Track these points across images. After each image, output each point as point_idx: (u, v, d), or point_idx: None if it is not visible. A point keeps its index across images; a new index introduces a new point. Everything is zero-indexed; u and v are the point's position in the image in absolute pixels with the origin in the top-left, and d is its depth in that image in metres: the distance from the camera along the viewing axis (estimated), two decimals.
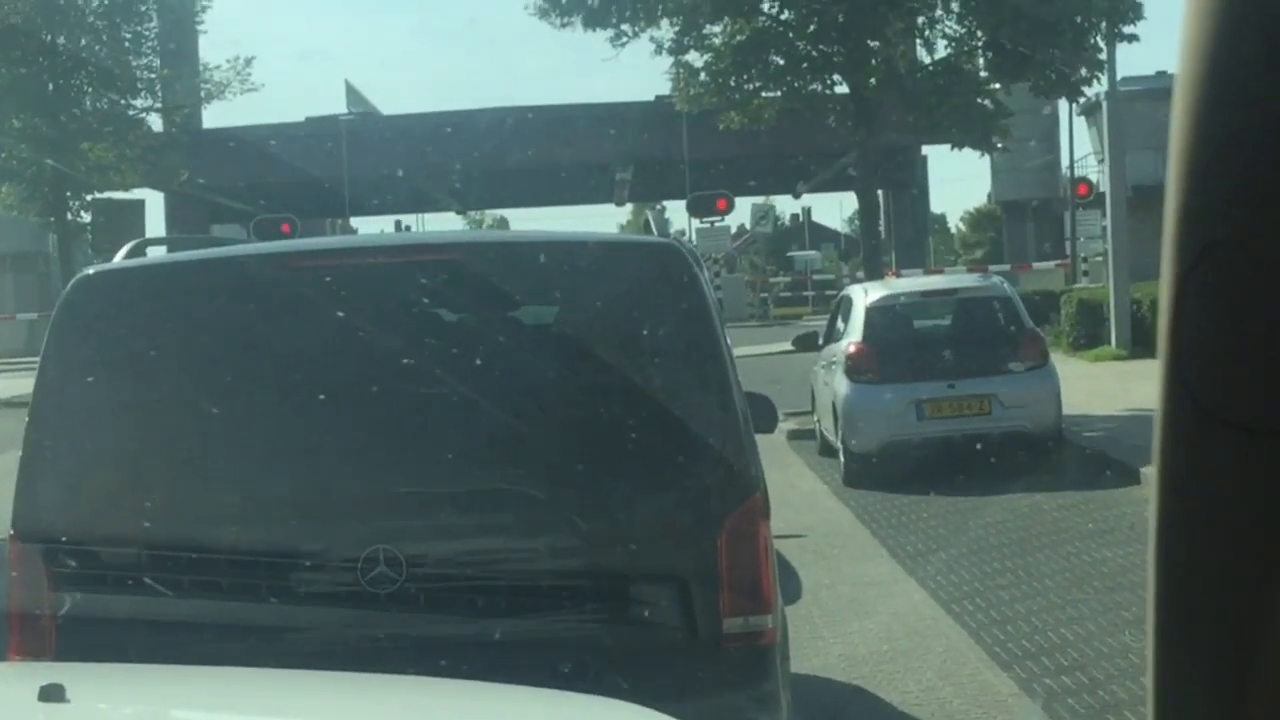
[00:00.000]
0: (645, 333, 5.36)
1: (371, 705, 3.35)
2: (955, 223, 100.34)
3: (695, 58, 29.74)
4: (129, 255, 5.99)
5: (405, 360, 5.23)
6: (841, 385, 16.81)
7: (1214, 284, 0.72)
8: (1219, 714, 0.82)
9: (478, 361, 5.34)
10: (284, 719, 3.28)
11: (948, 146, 31.25)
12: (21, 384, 23.44)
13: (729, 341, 5.52)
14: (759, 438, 6.09)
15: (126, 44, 41.70)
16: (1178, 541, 0.81)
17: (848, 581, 11.51)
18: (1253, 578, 0.77)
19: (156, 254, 6.66)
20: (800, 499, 15.53)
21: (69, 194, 41.97)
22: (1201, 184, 0.72)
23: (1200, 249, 0.72)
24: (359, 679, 3.67)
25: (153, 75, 42.73)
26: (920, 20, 29.53)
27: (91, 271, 5.60)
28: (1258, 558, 0.76)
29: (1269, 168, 0.70)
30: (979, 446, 16.12)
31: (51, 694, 2.71)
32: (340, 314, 5.37)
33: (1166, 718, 0.86)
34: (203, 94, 43.74)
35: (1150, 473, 0.82)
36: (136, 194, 46.07)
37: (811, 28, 28.84)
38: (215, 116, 48.45)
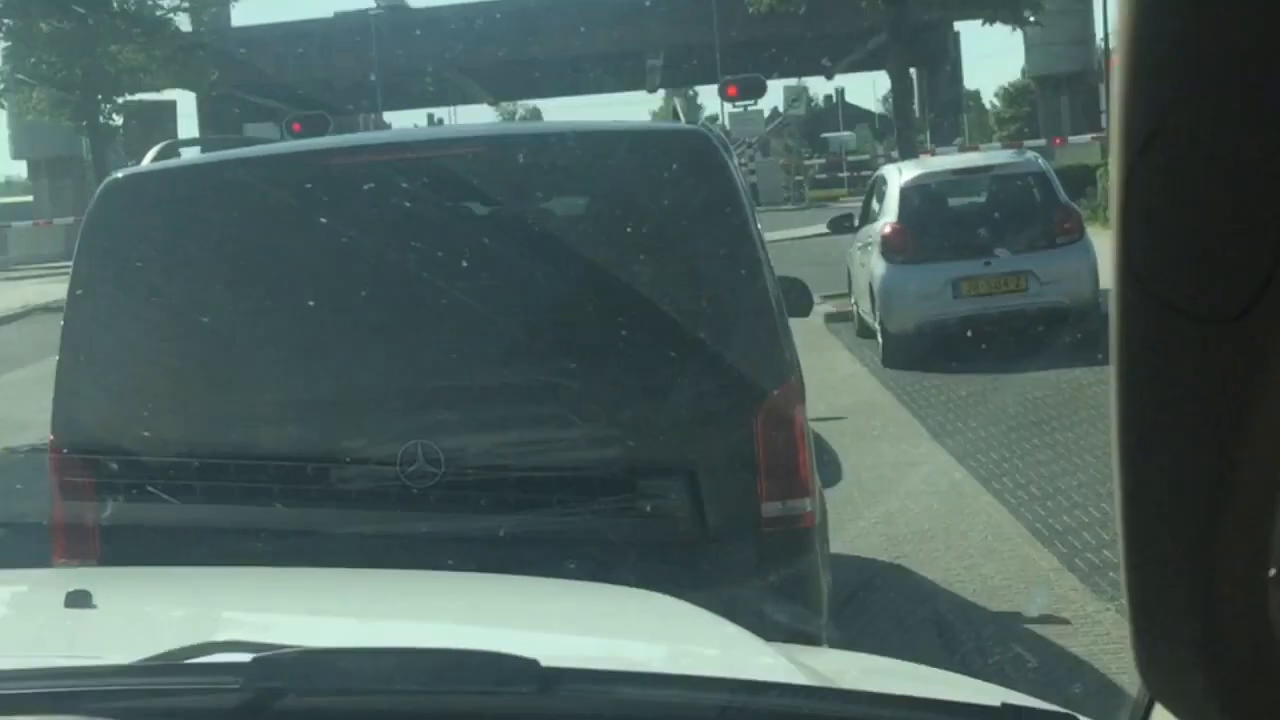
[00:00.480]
0: (676, 221, 5.35)
1: (407, 600, 3.38)
2: (990, 99, 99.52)
3: None
4: (158, 157, 5.99)
5: (438, 255, 5.25)
6: (878, 266, 16.78)
7: (1159, 173, 0.72)
8: (1190, 597, 0.83)
9: (510, 254, 5.34)
10: (309, 616, 3.32)
11: (980, 22, 31.00)
12: (61, 289, 23.56)
13: (760, 227, 5.51)
14: (796, 321, 6.10)
15: None
16: (1137, 429, 0.81)
17: (888, 462, 11.54)
18: (1211, 464, 0.78)
19: (189, 155, 6.67)
20: (839, 381, 15.55)
21: (100, 97, 41.98)
22: (1146, 73, 0.72)
23: (1145, 138, 0.72)
24: (395, 575, 3.71)
25: None
26: None
27: (120, 175, 5.61)
28: (1216, 442, 0.77)
29: (1212, 57, 0.70)
30: (1018, 323, 16.10)
31: (78, 600, 2.75)
32: (372, 210, 5.38)
33: (1141, 603, 0.87)
34: None
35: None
36: (168, 95, 46.14)
37: None
38: (243, 14, 48.27)
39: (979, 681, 3.22)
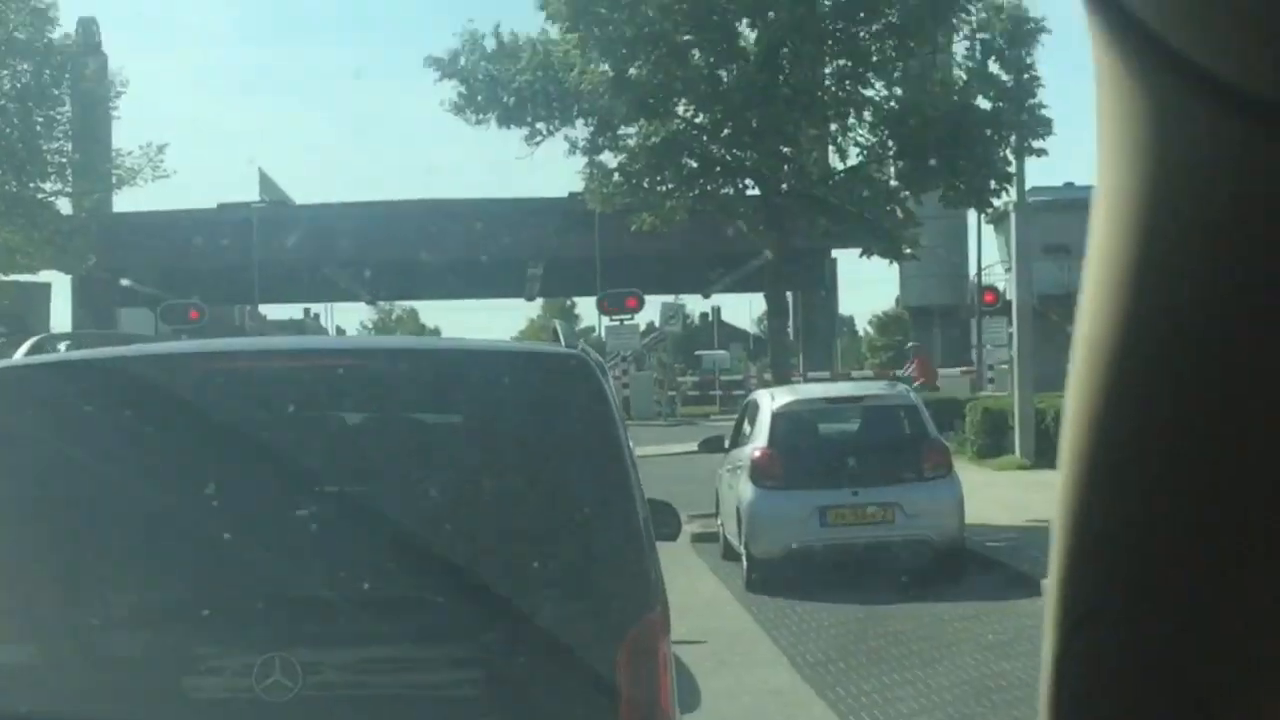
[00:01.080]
0: (549, 441, 5.36)
1: None
2: (864, 325, 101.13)
3: (609, 158, 29.99)
4: (31, 351, 5.93)
5: (308, 464, 5.21)
6: (746, 490, 16.84)
7: (1092, 653, 0.75)
8: None
9: (380, 467, 5.32)
10: None
11: (857, 251, 31.54)
12: None
13: (633, 447, 5.53)
14: (662, 544, 6.09)
15: (38, 128, 41.47)
16: None
17: (748, 690, 11.48)
18: None
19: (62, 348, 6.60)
20: (702, 604, 15.49)
21: None
22: (1076, 558, 0.75)
23: (1077, 619, 0.74)
24: None
25: (64, 159, 42.50)
26: (833, 128, 29.87)
27: None
28: None
29: (1137, 544, 0.72)
30: (882, 554, 16.18)
31: None
32: (242, 416, 5.35)
33: None
34: (114, 179, 43.47)
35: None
36: (44, 276, 45.81)
37: (725, 132, 29.12)
38: (126, 201, 48.15)
39: None
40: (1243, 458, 0.68)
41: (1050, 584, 0.77)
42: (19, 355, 5.85)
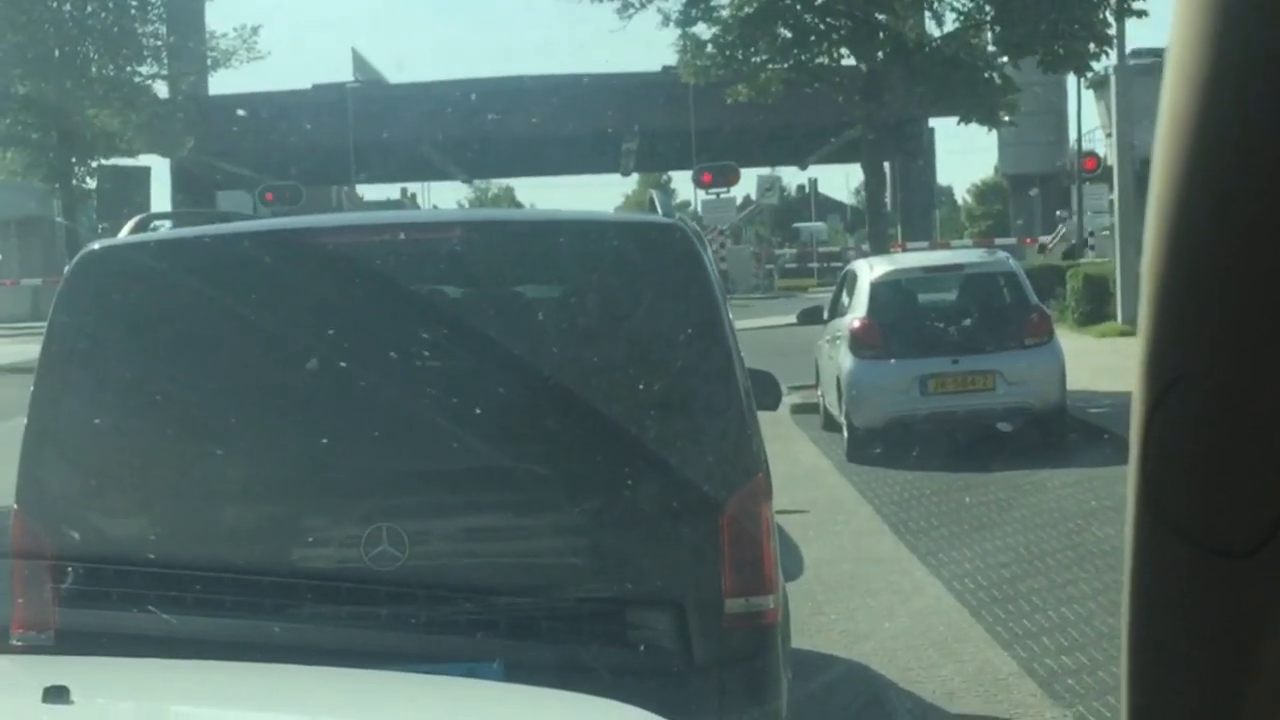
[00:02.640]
0: (648, 312, 5.37)
1: (377, 703, 3.35)
2: (962, 195, 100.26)
3: (702, 29, 29.81)
4: (135, 230, 5.99)
5: (410, 338, 5.25)
6: (846, 360, 16.81)
7: (1181, 414, 0.74)
8: None
9: (481, 340, 5.36)
10: (283, 716, 3.29)
11: (955, 120, 31.24)
12: (25, 349, 23.46)
13: (732, 318, 5.53)
14: (763, 414, 6.10)
15: (133, 11, 41.67)
16: (1147, 651, 0.82)
17: (850, 558, 11.52)
18: (1218, 691, 0.79)
19: (164, 228, 6.66)
20: (803, 474, 15.54)
21: (74, 160, 41.99)
22: (1168, 319, 0.74)
23: (1168, 382, 0.74)
24: (354, 675, 3.68)
25: (159, 42, 42.75)
26: None
27: (97, 246, 5.60)
28: (1224, 671, 0.78)
29: (1228, 310, 0.71)
30: (983, 422, 16.14)
31: (55, 695, 2.72)
32: (345, 292, 5.39)
33: None
34: (209, 61, 43.70)
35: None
36: (142, 160, 46.17)
37: (819, 0, 28.83)
38: (221, 84, 48.43)
39: None
40: None
41: (1140, 346, 0.77)
42: (123, 234, 5.91)
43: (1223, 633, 0.77)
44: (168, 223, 7.03)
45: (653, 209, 6.31)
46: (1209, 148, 0.71)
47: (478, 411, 5.22)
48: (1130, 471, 0.79)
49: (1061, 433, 16.27)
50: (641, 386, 5.25)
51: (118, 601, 5.08)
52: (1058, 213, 52.28)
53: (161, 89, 43.93)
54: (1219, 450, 0.73)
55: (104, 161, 42.20)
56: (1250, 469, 0.72)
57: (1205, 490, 0.75)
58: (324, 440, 5.22)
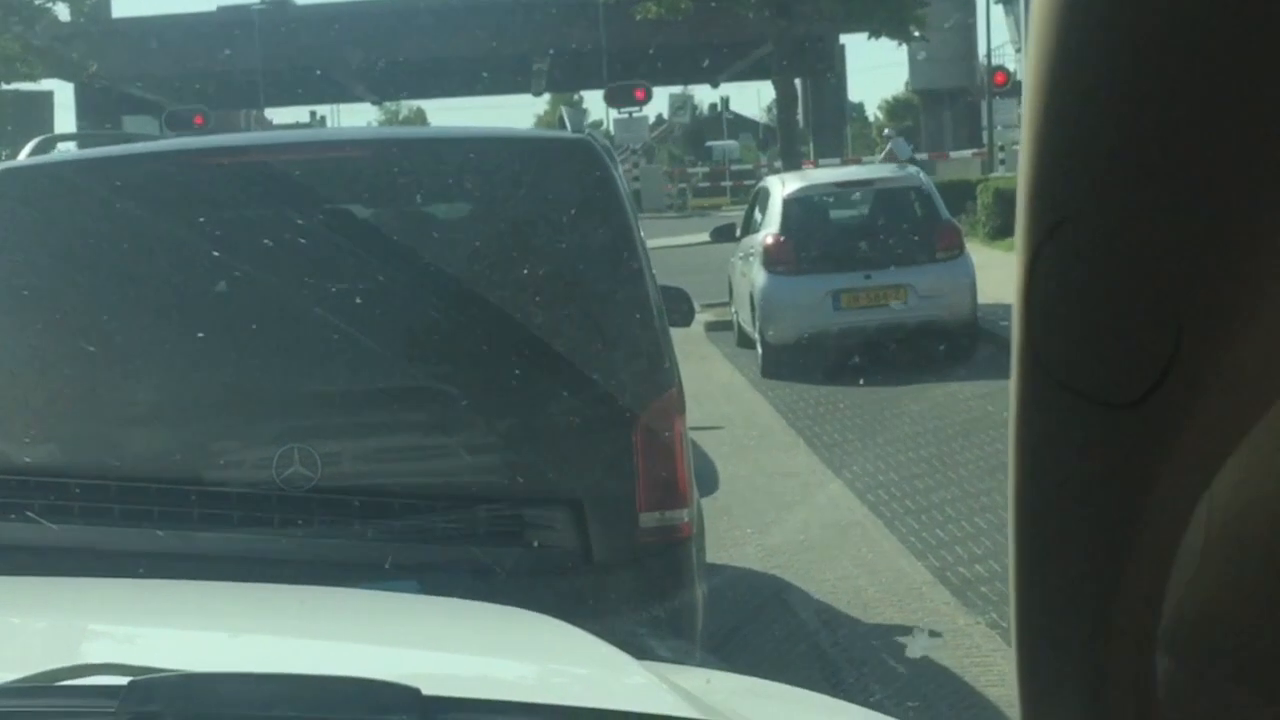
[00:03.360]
0: (559, 229, 5.35)
1: (286, 617, 3.34)
2: (873, 111, 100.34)
3: None
4: (35, 152, 5.91)
5: (319, 258, 5.21)
6: (759, 276, 16.85)
7: (1064, 261, 0.73)
8: (1080, 670, 0.84)
9: (390, 258, 5.32)
10: (185, 632, 3.27)
11: (865, 35, 31.25)
12: None
13: (643, 235, 5.52)
14: (677, 331, 6.11)
15: None
16: (1035, 507, 0.82)
17: (765, 473, 11.59)
18: (1107, 543, 0.79)
19: (66, 149, 6.58)
20: (718, 390, 15.59)
21: None
22: (1049, 163, 0.74)
23: (1049, 227, 0.73)
24: (273, 590, 3.67)
25: None
26: None
27: None
28: (1112, 523, 0.78)
29: (1114, 147, 0.71)
30: (895, 336, 16.24)
31: None
32: (253, 211, 5.34)
33: (1030, 673, 0.88)
34: None
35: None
36: (45, 85, 45.49)
37: None
38: (125, 6, 47.76)
39: (842, 703, 3.25)
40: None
41: (1020, 191, 0.76)
42: (22, 156, 5.83)
43: (1108, 484, 0.77)
44: (71, 145, 6.94)
45: (563, 126, 6.28)
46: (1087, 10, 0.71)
47: (388, 331, 5.20)
48: (1013, 321, 0.78)
49: (973, 345, 16.38)
50: (553, 303, 5.24)
51: (21, 520, 5.03)
52: (885, 131, 52.47)
53: (63, 11, 43.25)
54: (1103, 298, 0.73)
55: (5, 86, 41.56)
56: (1135, 317, 0.72)
57: (1089, 339, 0.75)
58: (234, 362, 5.18)
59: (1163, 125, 0.69)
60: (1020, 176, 0.76)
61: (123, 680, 2.02)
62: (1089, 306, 0.74)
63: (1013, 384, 0.79)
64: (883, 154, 44.64)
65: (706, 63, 57.07)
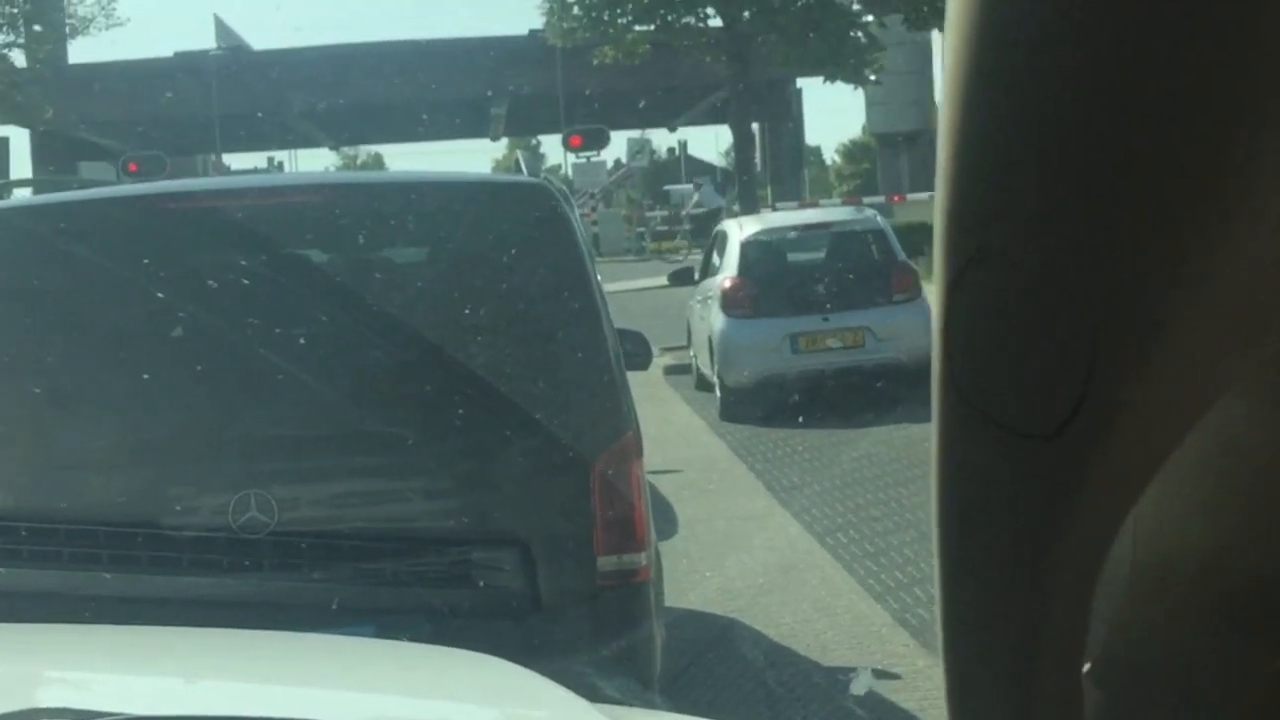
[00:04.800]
0: (516, 273, 5.35)
1: (233, 660, 3.33)
2: (831, 155, 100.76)
3: None
4: None
5: (276, 302, 5.20)
6: (717, 320, 16.87)
7: (977, 295, 0.74)
8: (1008, 698, 0.85)
9: (348, 303, 5.32)
10: (132, 677, 3.25)
11: (821, 79, 31.40)
12: None
13: (600, 279, 5.53)
14: (635, 374, 6.12)
15: None
16: (957, 537, 0.83)
17: (724, 515, 11.58)
18: (1028, 573, 0.80)
19: (21, 195, 6.56)
20: (676, 434, 15.58)
21: None
22: (966, 194, 0.75)
23: (966, 259, 0.74)
24: (222, 634, 3.64)
25: (15, 10, 41.96)
26: None
27: None
28: (1033, 551, 0.79)
29: (1031, 178, 0.72)
30: (853, 379, 16.26)
31: None
32: (210, 256, 5.34)
33: (960, 703, 0.89)
34: (67, 29, 42.96)
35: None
36: (1, 131, 45.37)
37: None
38: (81, 52, 47.76)
39: None
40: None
41: (936, 229, 0.77)
42: None
43: (1029, 514, 0.78)
44: (27, 191, 6.92)
45: (519, 170, 6.30)
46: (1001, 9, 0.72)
47: (346, 376, 5.19)
48: (933, 353, 0.79)
49: (929, 387, 16.38)
50: (510, 347, 5.24)
51: None
52: (694, 180, 52.73)
53: (19, 58, 43.15)
54: (1018, 330, 0.74)
55: None
56: (1049, 349, 0.73)
57: (1006, 371, 0.76)
58: (190, 407, 5.17)
59: (1074, 161, 0.70)
60: (936, 212, 0.77)
61: None
62: (1005, 339, 0.75)
63: (934, 415, 0.80)
64: (692, 202, 44.77)
65: (664, 107, 57.29)
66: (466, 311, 5.29)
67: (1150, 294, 0.71)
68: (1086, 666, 0.91)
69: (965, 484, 0.81)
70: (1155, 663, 0.92)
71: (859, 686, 7.04)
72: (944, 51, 0.75)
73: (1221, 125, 0.68)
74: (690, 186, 70.28)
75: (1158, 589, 0.91)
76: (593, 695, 2.97)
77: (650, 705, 4.87)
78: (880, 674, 7.46)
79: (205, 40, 58.01)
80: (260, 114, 48.41)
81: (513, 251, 5.36)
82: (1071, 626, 0.82)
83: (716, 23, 30.40)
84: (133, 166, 11.77)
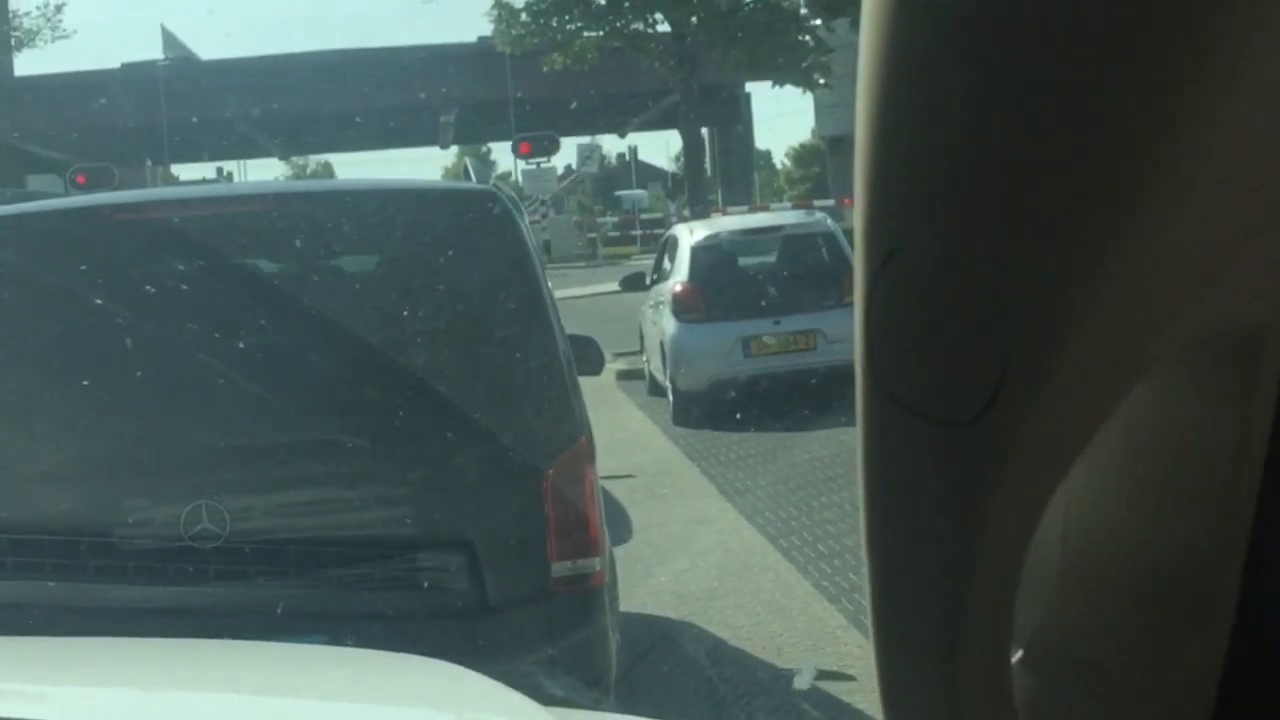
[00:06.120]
0: (466, 280, 5.37)
1: (184, 670, 3.33)
2: (781, 158, 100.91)
3: None
4: None
5: (226, 313, 5.20)
6: (669, 324, 16.89)
7: (896, 286, 0.76)
8: (938, 686, 0.87)
9: (297, 312, 5.32)
10: (79, 688, 3.25)
11: (770, 84, 31.48)
12: None
13: (550, 285, 5.54)
14: (588, 380, 6.13)
15: None
16: (882, 526, 0.85)
17: (678, 519, 11.59)
18: (953, 559, 0.81)
19: None
20: (630, 439, 15.59)
21: None
22: (880, 193, 0.76)
23: (883, 255, 0.76)
24: (173, 644, 3.64)
25: None
26: None
27: None
28: (956, 539, 0.81)
29: (939, 175, 0.74)
30: (806, 381, 16.30)
31: None
32: (159, 267, 5.33)
33: (891, 695, 0.90)
34: (13, 42, 42.74)
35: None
36: None
37: None
38: (27, 64, 47.56)
39: None
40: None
41: (856, 223, 0.79)
42: None
43: (950, 502, 0.80)
44: None
45: (467, 177, 6.31)
46: (915, 14, 0.73)
47: (297, 385, 5.19)
48: (855, 344, 0.81)
49: None
50: (460, 354, 5.25)
51: None
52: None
53: None
54: (935, 321, 0.76)
55: None
56: (964, 340, 0.75)
57: (925, 362, 0.78)
58: (142, 418, 5.16)
59: (977, 157, 0.72)
60: (855, 207, 0.79)
61: None
62: (921, 331, 0.77)
63: (858, 406, 0.82)
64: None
65: (614, 113, 57.32)
66: (417, 319, 5.30)
67: (1060, 283, 0.73)
68: (1019, 654, 0.93)
69: (889, 473, 0.83)
70: (1085, 650, 0.93)
71: (802, 681, 7.07)
72: (859, 59, 0.77)
73: (1121, 122, 0.70)
74: (643, 192, 70.39)
75: (1087, 578, 0.93)
76: (539, 696, 2.98)
77: (597, 706, 4.89)
78: (834, 675, 7.48)
79: (153, 51, 57.76)
80: (209, 124, 48.22)
81: (462, 258, 5.37)
82: (997, 613, 0.84)
83: (665, 28, 30.45)
84: (80, 179, 11.70)
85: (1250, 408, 0.84)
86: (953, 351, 0.76)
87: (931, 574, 0.83)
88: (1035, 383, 0.75)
